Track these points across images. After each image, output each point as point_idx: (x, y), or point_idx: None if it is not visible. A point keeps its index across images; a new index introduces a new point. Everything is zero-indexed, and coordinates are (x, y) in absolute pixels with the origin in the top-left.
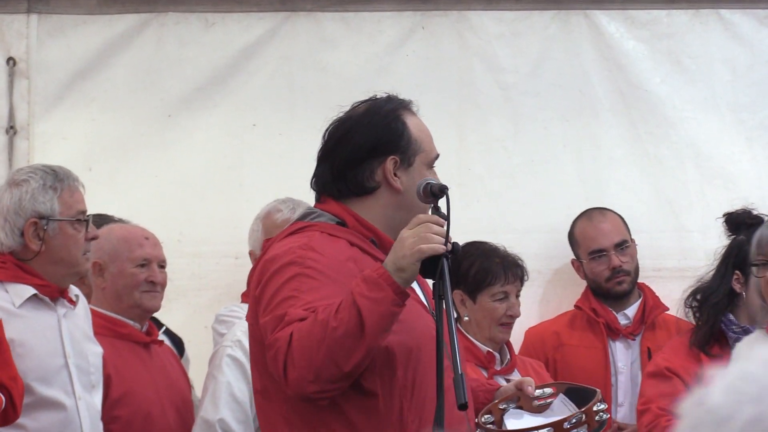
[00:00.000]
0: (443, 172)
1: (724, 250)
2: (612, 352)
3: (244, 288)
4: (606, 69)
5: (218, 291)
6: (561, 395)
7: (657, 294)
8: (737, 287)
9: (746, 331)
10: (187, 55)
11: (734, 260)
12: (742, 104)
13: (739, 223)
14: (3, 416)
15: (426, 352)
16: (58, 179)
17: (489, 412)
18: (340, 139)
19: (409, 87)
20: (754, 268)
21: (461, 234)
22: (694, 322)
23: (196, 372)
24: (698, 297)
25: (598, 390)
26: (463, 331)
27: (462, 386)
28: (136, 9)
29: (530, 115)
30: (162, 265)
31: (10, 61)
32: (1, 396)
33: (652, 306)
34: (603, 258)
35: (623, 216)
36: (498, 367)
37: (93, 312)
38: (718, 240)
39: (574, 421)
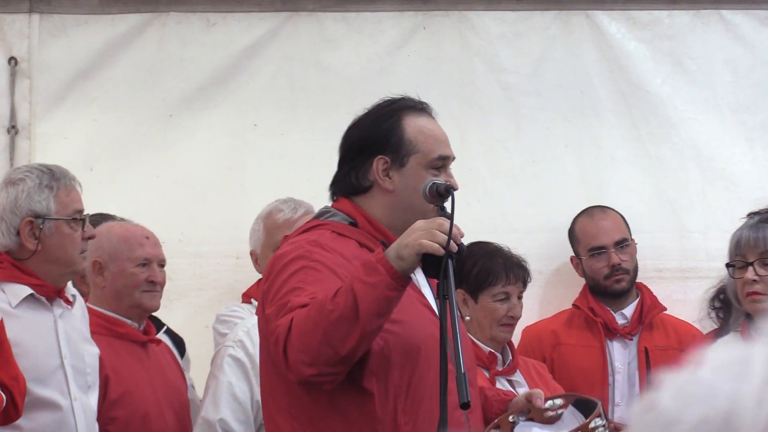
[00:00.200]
0: None
1: None
2: (609, 351)
3: (245, 288)
4: (607, 69)
5: (219, 291)
6: (570, 407)
7: (658, 294)
8: None
9: None
10: (188, 55)
11: None
12: (744, 105)
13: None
14: (4, 415)
15: (425, 354)
16: (54, 178)
17: (498, 426)
18: (343, 138)
19: (411, 87)
20: (730, 269)
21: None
22: (717, 324)
23: (197, 372)
24: (722, 297)
25: (599, 402)
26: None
27: (464, 385)
28: (138, 9)
29: (531, 116)
30: (162, 265)
31: (12, 60)
32: (2, 395)
33: (649, 306)
34: (603, 255)
35: (624, 216)
36: (500, 368)
37: (91, 311)
38: (719, 240)
39: None
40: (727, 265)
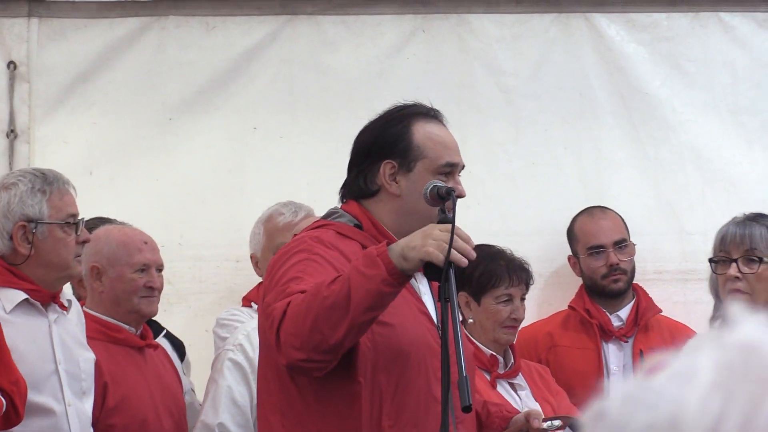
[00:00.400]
0: None
1: None
2: (605, 353)
3: (245, 291)
4: (606, 72)
5: (219, 294)
6: (568, 429)
7: (658, 297)
8: None
9: None
10: (188, 59)
11: None
12: (743, 107)
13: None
14: (5, 419)
15: (415, 359)
16: (47, 182)
17: None
18: (354, 142)
19: (410, 90)
20: (713, 264)
21: None
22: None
23: (198, 376)
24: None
25: None
26: (467, 334)
27: (466, 389)
28: (137, 13)
29: (531, 118)
30: (160, 270)
31: (11, 64)
32: (2, 399)
33: (645, 308)
34: (601, 254)
35: (624, 218)
36: (501, 371)
37: (88, 316)
38: None
39: None
40: (710, 261)
